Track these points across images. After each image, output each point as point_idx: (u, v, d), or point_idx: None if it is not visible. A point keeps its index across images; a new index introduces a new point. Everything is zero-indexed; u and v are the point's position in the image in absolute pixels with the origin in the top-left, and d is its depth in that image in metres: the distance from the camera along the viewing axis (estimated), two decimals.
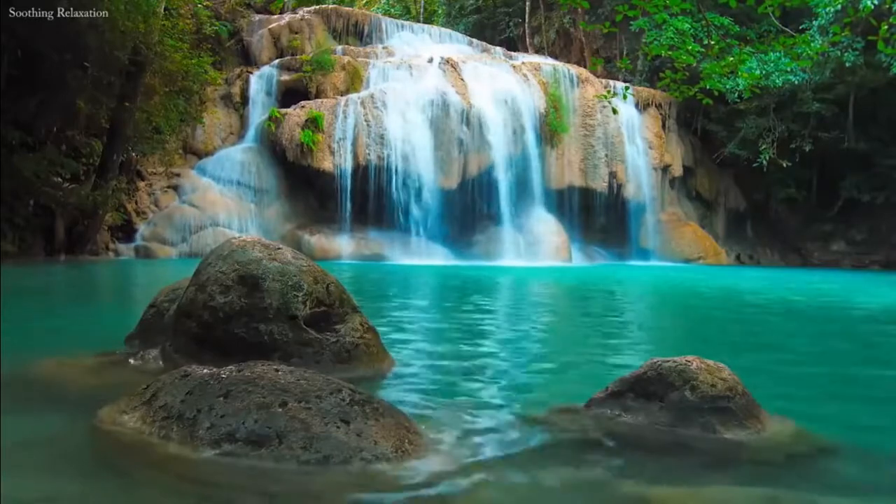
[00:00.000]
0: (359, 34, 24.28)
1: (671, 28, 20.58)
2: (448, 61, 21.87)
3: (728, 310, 9.08)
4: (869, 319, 8.08)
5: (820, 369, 4.48)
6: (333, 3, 26.15)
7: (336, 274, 3.76)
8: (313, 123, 19.33)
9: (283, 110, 19.84)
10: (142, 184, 18.38)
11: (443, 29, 27.16)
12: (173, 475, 2.03)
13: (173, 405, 2.27)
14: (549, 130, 22.39)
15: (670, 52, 8.49)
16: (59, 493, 1.91)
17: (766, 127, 23.88)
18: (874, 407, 3.45)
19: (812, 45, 8.77)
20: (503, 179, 21.15)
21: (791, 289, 12.88)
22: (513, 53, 25.96)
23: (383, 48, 23.26)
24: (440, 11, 35.34)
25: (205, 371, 2.39)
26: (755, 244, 27.11)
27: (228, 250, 3.48)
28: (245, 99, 20.87)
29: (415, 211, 20.03)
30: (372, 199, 19.77)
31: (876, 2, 16.86)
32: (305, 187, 20.05)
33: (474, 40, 26.47)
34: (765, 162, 23.70)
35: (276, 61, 21.68)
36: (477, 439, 2.46)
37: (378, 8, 33.85)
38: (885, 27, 7.05)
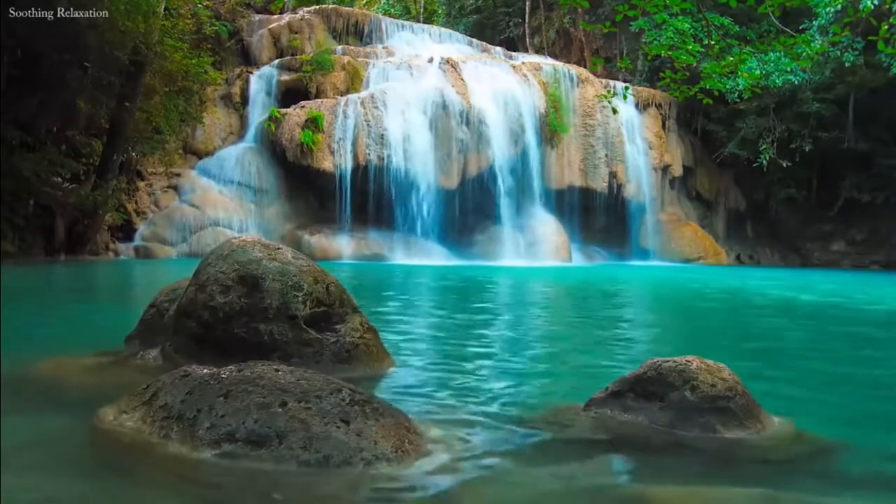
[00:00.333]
0: (359, 34, 24.28)
1: (671, 28, 20.58)
2: (448, 61, 21.87)
3: (728, 310, 9.08)
4: (869, 319, 8.08)
5: (820, 369, 4.48)
6: (333, 3, 26.14)
7: (336, 274, 3.76)
8: (313, 123, 19.33)
9: (283, 110, 19.84)
10: (142, 184, 18.38)
11: (443, 29, 27.16)
12: (173, 475, 2.03)
13: (173, 405, 2.27)
14: (549, 130, 22.39)
15: (670, 52, 8.48)
16: (59, 493, 1.91)
17: (766, 127, 23.88)
18: (874, 407, 3.45)
19: (812, 45, 8.77)
20: (503, 179, 21.15)
21: (791, 289, 12.88)
22: (513, 53, 25.97)
23: (383, 48, 23.27)
24: (440, 11, 35.34)
25: (205, 371, 2.39)
26: (755, 244, 27.11)
27: (228, 250, 3.48)
28: (245, 99, 20.88)
29: (415, 211, 20.03)
30: (372, 199, 19.77)
31: (876, 2, 16.87)
32: (305, 187, 20.06)
33: (474, 40, 26.47)
34: (765, 162, 23.70)
35: (276, 61, 21.68)
36: (477, 439, 2.46)
37: (378, 8, 33.84)
38: (885, 27, 7.05)
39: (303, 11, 23.98)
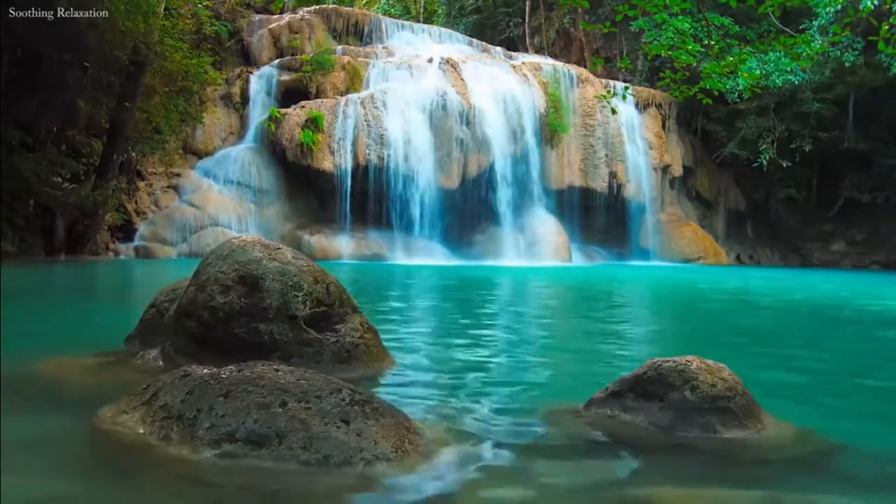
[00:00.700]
0: (359, 34, 24.28)
1: (671, 28, 20.58)
2: (448, 61, 21.88)
3: (728, 310, 9.07)
4: (870, 320, 8.08)
5: (820, 369, 4.48)
6: (333, 3, 26.14)
7: (336, 274, 3.75)
8: (313, 123, 19.33)
9: (283, 110, 19.84)
10: (142, 184, 18.38)
11: (443, 29, 27.16)
12: (173, 475, 2.03)
13: (173, 405, 2.27)
14: (549, 130, 22.40)
15: (670, 52, 8.48)
16: (59, 493, 1.91)
17: (766, 127, 23.89)
18: (874, 407, 3.45)
19: (812, 45, 8.77)
20: (503, 179, 21.16)
21: (791, 289, 12.88)
22: (513, 53, 25.97)
23: (383, 48, 23.27)
24: (440, 11, 35.35)
25: (205, 371, 2.38)
26: (755, 244, 27.12)
27: (228, 250, 3.48)
28: (245, 99, 20.88)
29: (415, 211, 20.03)
30: (372, 199, 19.78)
31: (876, 2, 16.87)
32: (305, 187, 20.06)
33: (474, 40, 26.47)
34: (765, 162, 23.71)
35: (276, 61, 21.69)
36: (477, 439, 2.46)
37: (378, 8, 33.85)
38: (886, 27, 7.05)
39: (303, 11, 23.98)
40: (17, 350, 3.80)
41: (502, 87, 21.77)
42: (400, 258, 19.12)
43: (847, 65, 21.30)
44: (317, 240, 18.99)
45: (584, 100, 23.33)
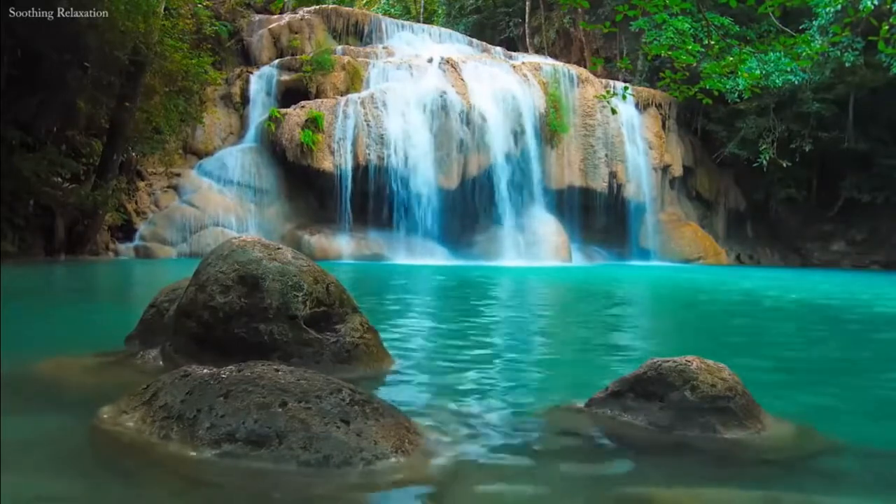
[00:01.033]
0: (359, 34, 24.28)
1: (671, 28, 20.57)
2: (448, 61, 21.87)
3: (728, 310, 9.07)
4: (870, 320, 8.08)
5: (820, 369, 4.48)
6: (333, 3, 26.14)
7: (336, 274, 3.75)
8: (313, 123, 19.33)
9: (283, 110, 19.84)
10: (142, 184, 18.38)
11: (443, 29, 27.15)
12: (173, 475, 2.03)
13: (173, 405, 2.27)
14: (549, 130, 22.39)
15: (670, 52, 8.48)
16: (59, 493, 1.91)
17: (766, 127, 23.88)
18: (875, 407, 3.45)
19: (812, 45, 8.77)
20: (503, 179, 21.15)
21: (791, 289, 12.88)
22: (513, 53, 25.96)
23: (383, 48, 23.26)
24: (440, 11, 35.34)
25: (205, 371, 2.39)
26: (755, 244, 27.12)
27: (228, 250, 3.48)
28: (245, 99, 20.87)
29: (415, 211, 20.03)
30: (372, 199, 19.77)
31: (876, 2, 16.87)
32: (305, 187, 20.06)
33: (474, 40, 26.47)
34: (765, 162, 23.70)
35: (276, 61, 21.68)
36: (477, 439, 2.46)
37: (378, 8, 33.84)
38: (886, 27, 7.05)
39: (303, 11, 23.98)
40: (17, 350, 3.79)
41: (502, 87, 21.77)
42: (400, 258, 19.12)
43: (847, 65, 21.30)
44: (317, 240, 18.99)
45: (584, 100, 23.33)
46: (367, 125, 19.72)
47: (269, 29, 22.56)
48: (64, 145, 15.62)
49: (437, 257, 19.61)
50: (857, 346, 5.79)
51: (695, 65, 9.15)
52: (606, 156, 23.37)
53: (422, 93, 20.59)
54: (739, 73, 8.52)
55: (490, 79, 21.88)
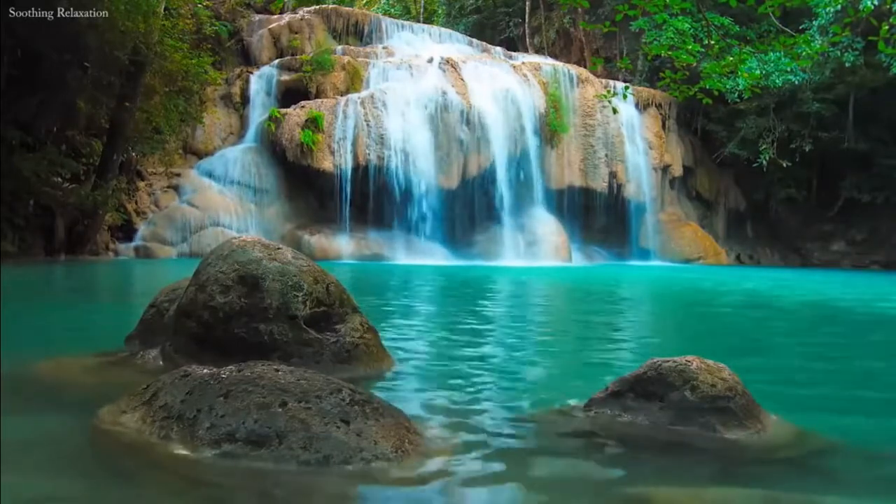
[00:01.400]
0: (359, 34, 24.28)
1: (671, 28, 20.57)
2: (448, 61, 21.87)
3: (728, 310, 9.08)
4: (870, 320, 8.08)
5: (820, 369, 4.48)
6: (333, 3, 26.14)
7: (336, 274, 3.75)
8: (313, 123, 19.33)
9: (283, 110, 19.84)
10: (142, 184, 18.38)
11: (443, 29, 27.15)
12: (173, 475, 2.03)
13: (173, 405, 2.27)
14: (549, 130, 22.39)
15: (670, 52, 8.47)
16: (59, 493, 1.91)
17: (766, 127, 23.88)
18: (874, 407, 3.44)
19: (812, 45, 8.76)
20: (503, 179, 21.16)
21: (791, 289, 12.88)
22: (513, 53, 25.96)
23: (383, 48, 23.26)
24: (440, 11, 35.34)
25: (205, 371, 2.39)
26: (755, 244, 27.11)
27: (228, 250, 3.48)
28: (245, 99, 20.88)
29: (415, 211, 20.03)
30: (372, 199, 19.77)
31: (876, 2, 16.86)
32: (305, 187, 20.06)
33: (474, 40, 26.47)
34: (765, 162, 23.70)
35: (276, 61, 21.68)
36: (477, 439, 2.46)
37: (378, 8, 33.84)
38: (886, 27, 7.04)
39: (303, 11, 23.97)
40: (17, 350, 3.79)
41: (502, 87, 21.77)
42: (400, 258, 19.12)
43: (847, 65, 21.30)
44: (317, 240, 18.99)
45: (584, 100, 23.32)
46: (367, 125, 19.72)
47: (269, 29, 22.56)
48: (64, 145, 15.63)
49: (436, 257, 19.61)
50: (857, 346, 5.79)
51: (695, 65, 9.14)
52: (606, 156, 23.37)
53: (422, 93, 20.59)
54: (739, 73, 8.52)
55: (490, 79, 21.88)
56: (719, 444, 2.44)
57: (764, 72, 19.08)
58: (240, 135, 20.60)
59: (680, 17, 19.93)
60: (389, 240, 19.74)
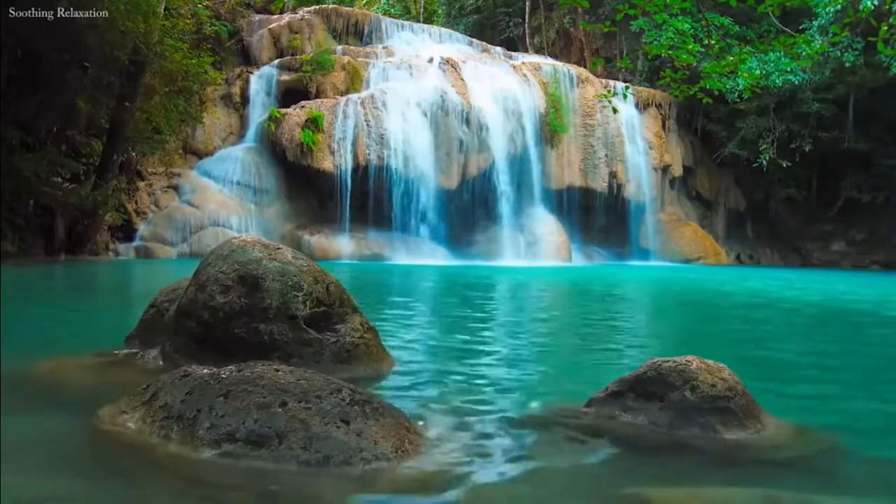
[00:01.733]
0: (359, 34, 24.28)
1: (671, 28, 20.56)
2: (448, 61, 21.87)
3: (728, 310, 9.08)
4: (869, 320, 8.08)
5: (820, 369, 4.48)
6: (333, 3, 26.14)
7: (336, 274, 3.75)
8: (313, 123, 19.33)
9: (283, 110, 19.84)
10: (142, 184, 18.37)
11: (443, 29, 27.15)
12: (173, 475, 2.03)
13: (173, 405, 2.27)
14: (549, 130, 22.40)
15: (670, 52, 8.47)
16: (59, 493, 1.91)
17: (766, 127, 23.89)
18: (875, 407, 3.44)
19: (812, 45, 8.76)
20: (503, 179, 21.16)
21: (791, 289, 12.88)
22: (513, 53, 25.96)
23: (383, 48, 23.26)
24: (440, 11, 35.34)
25: (205, 371, 2.39)
26: (755, 244, 27.12)
27: (228, 250, 3.48)
28: (245, 99, 20.88)
29: (415, 211, 20.03)
30: (372, 199, 19.77)
31: (876, 2, 16.86)
32: (305, 187, 20.06)
33: (474, 40, 26.47)
34: (765, 162, 23.71)
35: (276, 61, 21.68)
36: (476, 439, 2.45)
37: (378, 8, 33.84)
38: (885, 28, 7.04)
39: (303, 11, 23.97)
40: (17, 350, 3.79)
41: (502, 87, 21.77)
42: (400, 258, 19.12)
43: (847, 65, 21.30)
44: (317, 240, 18.99)
45: (584, 100, 23.32)
46: (367, 125, 19.72)
47: (269, 29, 22.56)
48: (64, 145, 15.62)
49: (437, 257, 19.61)
50: (858, 346, 5.79)
51: (695, 65, 9.14)
52: (606, 156, 23.37)
53: (422, 93, 20.59)
54: (739, 73, 8.51)
55: (490, 79, 21.88)
56: (719, 444, 2.44)
57: (764, 72, 19.09)
58: (240, 135, 20.61)
59: (680, 17, 19.92)
60: (389, 240, 19.74)
